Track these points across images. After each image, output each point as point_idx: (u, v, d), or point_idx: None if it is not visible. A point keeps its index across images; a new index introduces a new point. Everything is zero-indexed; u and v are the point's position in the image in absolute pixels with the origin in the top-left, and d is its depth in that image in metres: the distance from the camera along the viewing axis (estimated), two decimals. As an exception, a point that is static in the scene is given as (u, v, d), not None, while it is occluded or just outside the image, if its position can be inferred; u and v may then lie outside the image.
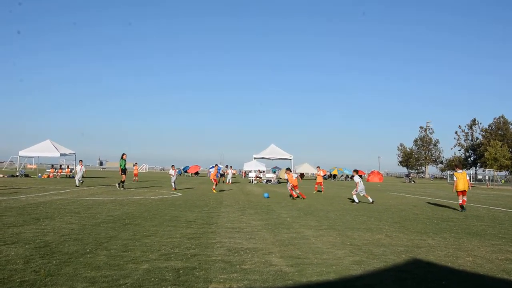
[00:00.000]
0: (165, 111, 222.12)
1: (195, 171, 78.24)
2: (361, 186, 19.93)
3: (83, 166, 31.24)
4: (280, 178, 55.62)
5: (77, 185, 28.97)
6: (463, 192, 17.18)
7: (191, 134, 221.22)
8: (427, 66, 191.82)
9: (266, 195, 22.89)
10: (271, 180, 49.11)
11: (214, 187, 26.99)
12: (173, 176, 28.51)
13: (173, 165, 29.37)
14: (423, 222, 13.15)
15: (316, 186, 30.38)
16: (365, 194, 20.24)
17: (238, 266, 6.61)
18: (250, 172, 56.93)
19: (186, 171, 79.91)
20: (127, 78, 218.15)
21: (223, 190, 28.39)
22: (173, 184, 28.08)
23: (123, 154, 26.10)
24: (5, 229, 9.29)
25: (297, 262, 7.00)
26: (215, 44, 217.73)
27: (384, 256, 7.74)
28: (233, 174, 49.64)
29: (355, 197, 19.90)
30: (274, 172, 62.17)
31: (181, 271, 6.15)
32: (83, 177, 31.05)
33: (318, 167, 32.36)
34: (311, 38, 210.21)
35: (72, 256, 6.86)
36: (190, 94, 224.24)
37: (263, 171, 58.25)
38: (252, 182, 47.95)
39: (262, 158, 51.32)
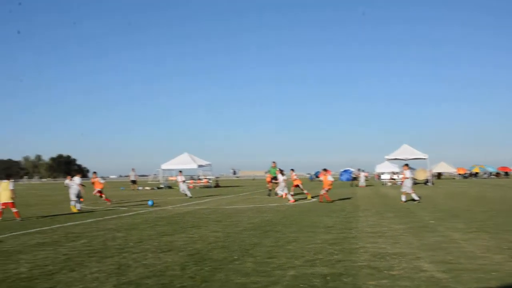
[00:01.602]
0: (296, 117, 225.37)
1: (325, 176, 77.92)
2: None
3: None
4: (416, 179, 53.15)
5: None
6: None
7: (320, 139, 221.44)
8: None
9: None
10: (406, 182, 47.08)
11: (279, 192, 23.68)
12: (181, 183, 25.58)
13: (180, 171, 26.73)
14: None
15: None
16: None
17: (386, 272, 6.40)
18: (383, 174, 55.26)
19: (317, 176, 79.98)
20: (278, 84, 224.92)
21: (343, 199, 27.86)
22: (182, 191, 24.84)
23: (273, 163, 26.74)
24: (159, 238, 10.07)
25: (449, 267, 6.59)
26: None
27: (551, 260, 6.96)
28: (366, 176, 48.54)
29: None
30: (409, 173, 59.49)
31: (328, 277, 6.13)
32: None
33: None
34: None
35: (221, 263, 7.20)
36: (320, 98, 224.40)
37: (397, 173, 56.11)
38: (386, 184, 46.47)
39: (395, 159, 49.53)
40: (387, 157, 48.83)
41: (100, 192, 22.37)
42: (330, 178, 21.32)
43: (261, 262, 7.23)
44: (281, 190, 23.11)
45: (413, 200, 18.73)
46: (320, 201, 20.36)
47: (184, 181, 27.95)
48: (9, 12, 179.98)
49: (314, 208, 17.37)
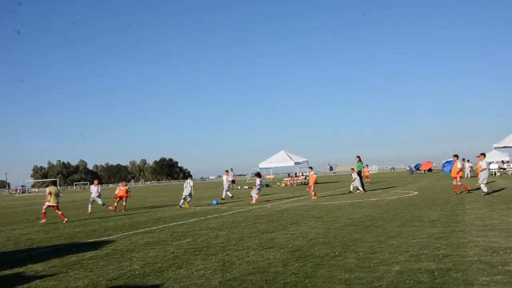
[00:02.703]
0: (391, 108, 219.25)
1: (427, 168, 74.71)
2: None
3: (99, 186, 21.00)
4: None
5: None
6: None
7: (419, 130, 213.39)
8: None
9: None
10: (517, 171, 43.76)
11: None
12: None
13: (226, 171, 24.60)
14: None
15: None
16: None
17: (500, 267, 6.00)
18: (491, 163, 51.78)
19: (418, 169, 76.92)
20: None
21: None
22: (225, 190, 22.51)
23: (357, 157, 26.34)
24: (260, 235, 10.25)
25: None
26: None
27: None
28: (471, 167, 45.80)
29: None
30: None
31: (436, 273, 5.87)
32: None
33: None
34: None
35: (323, 259, 7.17)
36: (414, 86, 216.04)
37: (507, 162, 52.28)
38: (495, 174, 43.55)
39: (504, 147, 46.25)
40: (495, 145, 45.77)
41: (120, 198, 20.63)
42: (459, 165, 20.47)
43: (364, 258, 7.09)
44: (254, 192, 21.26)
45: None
46: (457, 193, 19.50)
47: (232, 181, 26.81)
48: (9, 11, 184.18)
49: (416, 202, 16.71)
